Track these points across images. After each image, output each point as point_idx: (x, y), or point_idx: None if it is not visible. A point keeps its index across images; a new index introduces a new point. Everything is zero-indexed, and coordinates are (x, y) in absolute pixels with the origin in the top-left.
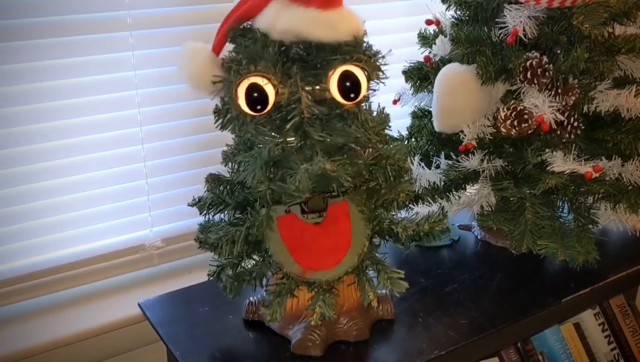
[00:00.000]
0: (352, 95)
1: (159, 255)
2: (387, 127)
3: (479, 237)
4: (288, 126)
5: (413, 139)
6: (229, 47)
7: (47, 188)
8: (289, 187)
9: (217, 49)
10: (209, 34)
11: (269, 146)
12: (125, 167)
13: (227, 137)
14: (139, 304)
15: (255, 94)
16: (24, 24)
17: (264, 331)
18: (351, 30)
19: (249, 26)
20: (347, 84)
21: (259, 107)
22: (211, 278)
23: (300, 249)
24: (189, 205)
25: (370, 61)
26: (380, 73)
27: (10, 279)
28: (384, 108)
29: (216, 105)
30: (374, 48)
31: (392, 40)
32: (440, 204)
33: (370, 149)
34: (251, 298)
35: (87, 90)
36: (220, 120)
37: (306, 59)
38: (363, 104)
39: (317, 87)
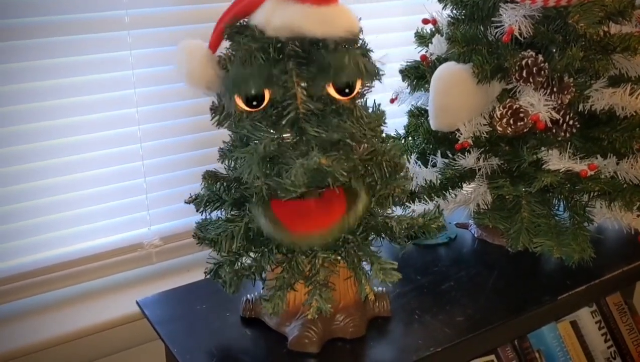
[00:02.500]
0: (346, 91)
1: (157, 253)
2: (383, 124)
3: (475, 235)
4: (284, 122)
5: (410, 138)
6: (225, 44)
7: (44, 186)
8: (284, 181)
9: (213, 46)
10: (206, 33)
11: (265, 142)
12: (123, 166)
13: (225, 136)
14: (137, 302)
15: None
16: (21, 23)
17: (261, 328)
18: (346, 26)
19: (245, 23)
20: None
21: (254, 103)
22: (208, 276)
23: (291, 217)
24: (185, 202)
25: (365, 57)
26: (375, 70)
27: (8, 277)
28: (379, 105)
29: (213, 102)
30: (368, 45)
31: (389, 40)
32: (437, 202)
33: (366, 145)
34: (248, 296)
35: (85, 89)
36: (216, 117)
37: (302, 55)
38: (358, 100)
39: (312, 82)
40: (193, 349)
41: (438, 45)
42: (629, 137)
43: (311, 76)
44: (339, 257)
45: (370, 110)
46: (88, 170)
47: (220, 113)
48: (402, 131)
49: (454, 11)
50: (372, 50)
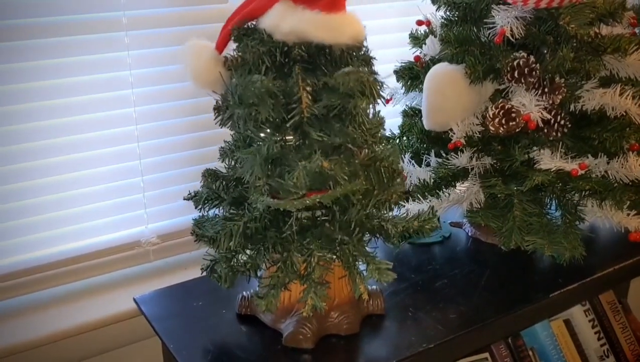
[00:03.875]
0: None
1: (155, 251)
2: (382, 130)
3: (469, 234)
4: (288, 125)
5: (404, 138)
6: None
7: (43, 185)
8: (287, 183)
9: (220, 47)
10: (204, 34)
11: (269, 144)
12: (121, 165)
13: (222, 135)
14: (134, 299)
15: None
16: (18, 24)
17: (256, 325)
18: (354, 33)
19: (253, 26)
20: None
21: None
22: (204, 272)
23: None
24: (184, 198)
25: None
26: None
27: (6, 275)
28: (379, 111)
29: (216, 101)
30: (371, 52)
31: (384, 41)
32: (430, 201)
33: (366, 150)
34: (244, 293)
35: (83, 89)
36: (220, 117)
37: (307, 59)
38: None
39: (318, 86)
40: (189, 345)
41: (431, 46)
42: (619, 136)
43: (317, 83)
44: (334, 256)
45: (370, 116)
46: (86, 169)
47: (224, 113)
48: (396, 131)
49: (448, 13)
50: (375, 58)
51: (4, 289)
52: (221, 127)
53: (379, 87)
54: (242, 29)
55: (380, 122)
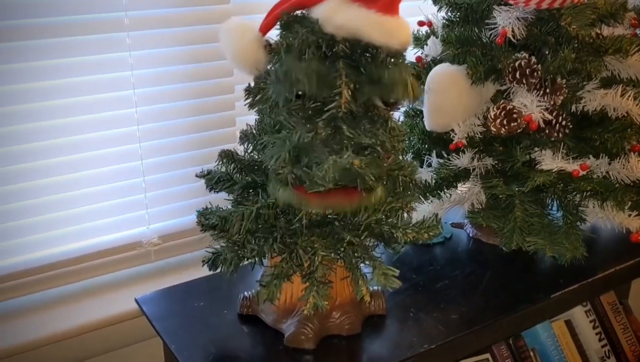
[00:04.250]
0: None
1: (156, 251)
2: (404, 139)
3: (470, 235)
4: (323, 117)
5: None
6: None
7: (44, 186)
8: (315, 174)
9: (264, 29)
10: (206, 36)
11: (301, 132)
12: (122, 165)
13: (224, 136)
14: (135, 300)
15: None
16: (21, 24)
17: (258, 325)
18: (404, 39)
19: (303, 15)
20: None
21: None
22: (206, 265)
23: (307, 195)
24: (197, 176)
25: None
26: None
27: (7, 275)
28: (402, 121)
29: (248, 83)
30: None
31: None
32: (432, 201)
33: (393, 156)
34: (245, 293)
35: (84, 89)
36: (250, 99)
37: (351, 56)
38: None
39: (360, 87)
40: (191, 345)
41: (433, 47)
42: (620, 137)
43: (359, 80)
44: (338, 257)
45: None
46: (87, 169)
47: (255, 96)
48: None
49: (449, 13)
50: (414, 68)
51: (5, 289)
52: (249, 109)
53: (419, 91)
54: (291, 16)
55: (405, 131)
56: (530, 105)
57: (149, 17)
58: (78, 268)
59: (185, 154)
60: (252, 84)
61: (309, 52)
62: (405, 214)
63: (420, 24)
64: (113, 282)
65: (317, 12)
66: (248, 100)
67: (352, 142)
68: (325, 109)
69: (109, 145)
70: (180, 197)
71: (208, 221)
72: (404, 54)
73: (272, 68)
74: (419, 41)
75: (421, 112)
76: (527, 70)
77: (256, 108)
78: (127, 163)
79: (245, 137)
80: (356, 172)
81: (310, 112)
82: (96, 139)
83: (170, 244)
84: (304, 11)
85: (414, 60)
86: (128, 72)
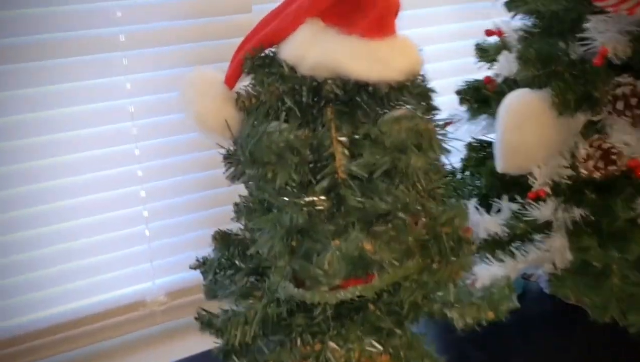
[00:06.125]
0: None
1: (163, 312)
2: (444, 185)
3: (544, 289)
4: (316, 188)
5: (467, 172)
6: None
7: (41, 235)
8: (314, 269)
9: (230, 81)
10: (221, 53)
11: (292, 211)
12: (124, 211)
13: None
14: None
15: None
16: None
17: None
18: (407, 66)
19: (272, 55)
20: None
21: None
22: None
23: None
24: (190, 268)
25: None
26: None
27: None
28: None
29: (227, 150)
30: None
31: (437, 51)
32: (503, 259)
33: (424, 219)
34: None
35: (81, 121)
36: (231, 170)
37: (343, 98)
38: None
39: (357, 136)
40: None
41: (506, 65)
42: None
43: (356, 131)
44: (381, 347)
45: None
46: (87, 216)
47: (236, 165)
48: (456, 163)
49: (527, 22)
50: (434, 91)
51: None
52: (232, 183)
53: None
54: (257, 58)
55: (441, 173)
56: (635, 144)
57: (145, 31)
58: (74, 333)
59: (190, 196)
60: (232, 150)
61: (282, 109)
62: (460, 282)
63: (489, 33)
64: (117, 347)
65: (286, 50)
66: (229, 172)
67: (363, 213)
68: (318, 178)
69: (108, 187)
70: (187, 247)
71: (210, 318)
72: (418, 78)
73: (240, 140)
74: (486, 54)
75: (489, 144)
76: (633, 100)
77: (241, 180)
78: (128, 208)
79: (239, 211)
80: (369, 259)
81: (303, 181)
82: (94, 179)
83: (179, 303)
84: (272, 50)
85: (476, 76)
86: (126, 100)
